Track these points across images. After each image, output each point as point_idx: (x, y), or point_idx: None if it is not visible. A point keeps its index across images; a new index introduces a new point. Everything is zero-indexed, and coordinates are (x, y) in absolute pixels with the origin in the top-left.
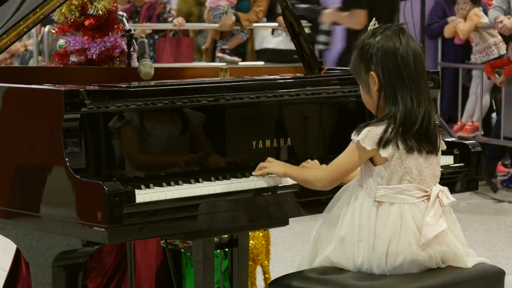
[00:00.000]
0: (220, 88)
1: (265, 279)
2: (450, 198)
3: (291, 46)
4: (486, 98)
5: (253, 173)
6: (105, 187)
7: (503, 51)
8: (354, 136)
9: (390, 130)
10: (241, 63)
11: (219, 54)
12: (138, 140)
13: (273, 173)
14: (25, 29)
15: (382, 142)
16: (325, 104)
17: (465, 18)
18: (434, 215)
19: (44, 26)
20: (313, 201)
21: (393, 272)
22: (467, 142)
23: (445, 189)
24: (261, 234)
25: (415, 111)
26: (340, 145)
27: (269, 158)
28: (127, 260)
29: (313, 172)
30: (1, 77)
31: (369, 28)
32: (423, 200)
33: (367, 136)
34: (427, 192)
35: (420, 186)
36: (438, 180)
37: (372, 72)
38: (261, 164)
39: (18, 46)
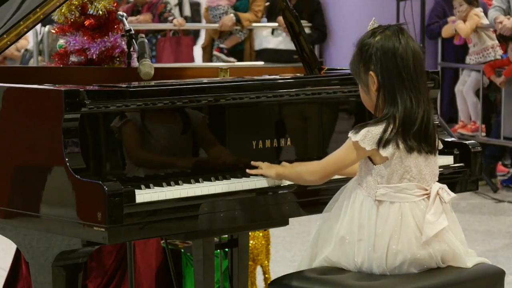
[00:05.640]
0: (220, 88)
1: (265, 279)
2: (451, 194)
3: (291, 46)
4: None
5: (249, 171)
6: (105, 187)
7: (499, 54)
8: (352, 136)
9: (389, 130)
10: (240, 63)
11: (215, 53)
12: (138, 140)
13: (266, 175)
14: (25, 29)
15: (382, 142)
16: (325, 104)
17: (464, 20)
18: (434, 213)
19: (44, 26)
20: (313, 201)
21: (393, 272)
22: (467, 142)
23: (445, 186)
24: (261, 234)
25: (415, 112)
26: (340, 145)
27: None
28: (127, 260)
29: (305, 165)
30: (1, 77)
31: (368, 27)
32: (423, 198)
33: (366, 137)
34: (427, 190)
35: (420, 184)
36: (437, 178)
37: (371, 72)
38: (259, 165)
39: None
